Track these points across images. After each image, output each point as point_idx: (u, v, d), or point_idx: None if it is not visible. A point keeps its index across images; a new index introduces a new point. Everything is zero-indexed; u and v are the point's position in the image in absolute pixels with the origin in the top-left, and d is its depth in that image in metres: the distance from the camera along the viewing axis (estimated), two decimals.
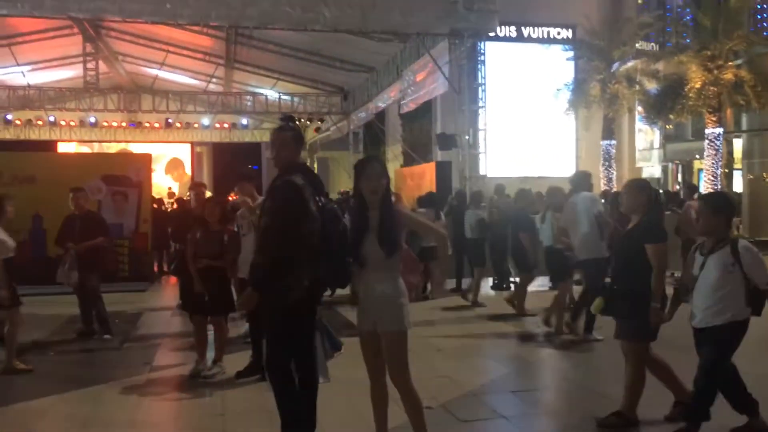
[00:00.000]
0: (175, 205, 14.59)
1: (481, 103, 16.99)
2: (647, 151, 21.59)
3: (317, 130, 25.00)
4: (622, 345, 4.43)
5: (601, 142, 19.27)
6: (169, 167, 26.38)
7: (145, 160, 12.89)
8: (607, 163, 19.22)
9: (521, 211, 8.70)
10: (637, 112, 19.92)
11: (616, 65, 18.33)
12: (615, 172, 19.27)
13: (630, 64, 18.40)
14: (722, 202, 4.20)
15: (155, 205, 13.95)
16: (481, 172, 15.96)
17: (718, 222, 4.08)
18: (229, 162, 25.58)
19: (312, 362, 3.75)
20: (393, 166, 22.78)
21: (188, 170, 26.01)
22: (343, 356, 3.99)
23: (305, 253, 3.63)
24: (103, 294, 7.55)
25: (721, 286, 3.96)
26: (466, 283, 10.85)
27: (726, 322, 3.96)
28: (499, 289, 10.68)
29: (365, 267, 3.56)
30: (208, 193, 12.20)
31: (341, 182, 24.64)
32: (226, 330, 6.16)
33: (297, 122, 22.32)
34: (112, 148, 24.70)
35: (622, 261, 4.48)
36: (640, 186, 4.57)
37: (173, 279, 10.43)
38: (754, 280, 3.96)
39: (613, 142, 19.45)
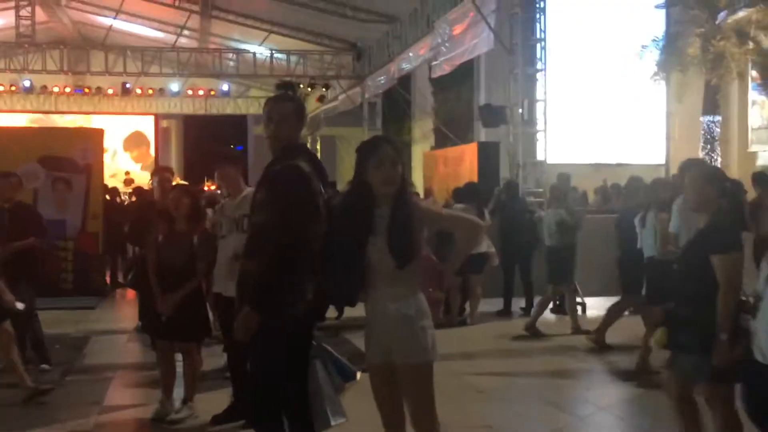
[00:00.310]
0: (133, 197, 14.75)
1: (539, 66, 16.88)
2: (764, 130, 21.39)
3: (321, 99, 25.04)
4: (701, 389, 4.42)
5: (701, 118, 19.13)
6: (129, 144, 26.69)
7: (95, 137, 13.07)
8: (708, 147, 19.08)
9: (628, 211, 8.43)
10: (750, 78, 19.76)
11: (722, 15, 18.19)
12: (720, 158, 19.14)
13: (741, 14, 18.25)
14: None
15: (108, 197, 14.12)
16: (539, 156, 15.89)
17: None
18: (204, 140, 25.78)
19: (308, 409, 3.78)
20: (421, 148, 22.82)
21: (152, 151, 26.30)
22: (354, 392, 4.02)
23: (309, 260, 3.68)
24: (39, 312, 7.65)
25: None
26: (515, 304, 10.88)
27: None
28: (562, 312, 10.71)
29: (372, 281, 3.59)
30: (177, 181, 12.27)
31: (351, 167, 24.71)
32: (200, 361, 6.24)
33: (297, 90, 22.53)
34: (53, 121, 25.02)
35: (683, 277, 4.46)
36: (708, 174, 4.56)
37: (131, 293, 10.57)
38: None
39: (718, 118, 19.30)
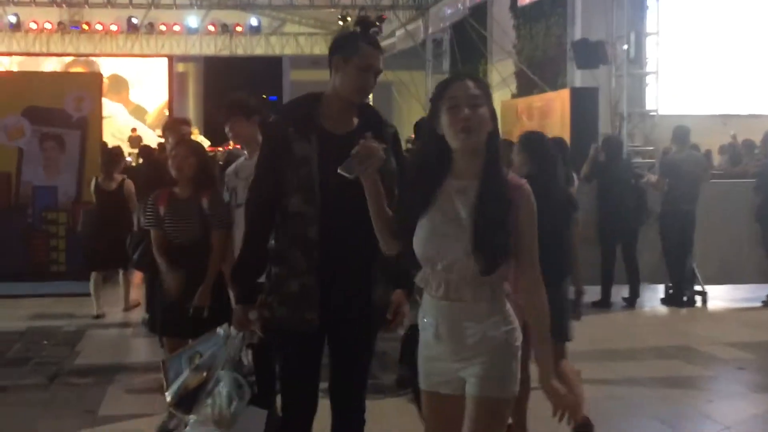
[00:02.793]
0: (140, 159, 14.85)
1: None
2: None
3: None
4: None
5: None
6: (107, 89, 26.87)
7: (93, 83, 13.14)
8: None
9: None
10: None
11: None
12: None
13: None
14: None
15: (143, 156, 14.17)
16: (649, 105, 15.62)
17: None
18: (229, 88, 25.71)
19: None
20: (499, 96, 22.52)
21: (144, 97, 26.38)
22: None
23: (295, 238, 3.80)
24: (24, 299, 7.75)
25: None
26: (616, 293, 10.72)
27: None
28: (676, 304, 10.70)
29: (436, 286, 3.36)
30: (198, 137, 12.26)
31: (412, 120, 24.62)
32: None
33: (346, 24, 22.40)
34: (43, 64, 25.33)
35: None
36: None
37: (139, 275, 10.62)
38: None
39: None
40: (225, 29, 26.39)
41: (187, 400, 4.04)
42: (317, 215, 3.79)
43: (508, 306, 3.37)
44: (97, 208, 10.40)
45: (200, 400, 4.00)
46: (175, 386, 4.09)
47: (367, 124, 3.70)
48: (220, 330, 4.11)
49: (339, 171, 3.25)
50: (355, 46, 3.82)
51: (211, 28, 26.33)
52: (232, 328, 4.03)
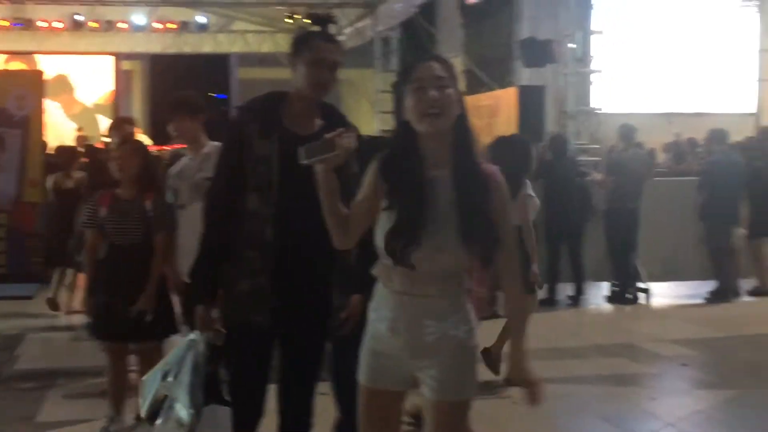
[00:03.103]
0: (84, 159, 14.66)
1: None
2: None
3: None
4: None
5: None
6: (51, 90, 26.57)
7: (34, 81, 12.95)
8: None
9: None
10: None
11: None
12: None
13: None
14: None
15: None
16: (594, 104, 15.75)
17: None
18: (176, 87, 25.53)
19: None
20: None
21: (89, 96, 26.17)
22: None
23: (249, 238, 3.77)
24: None
25: None
26: (561, 291, 10.77)
27: None
28: (621, 302, 10.81)
29: (393, 277, 3.26)
30: (142, 137, 12.21)
31: (361, 119, 24.60)
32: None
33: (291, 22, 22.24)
34: None
35: None
36: None
37: (81, 279, 10.50)
38: None
39: None
40: (172, 27, 26.19)
41: (156, 412, 4.04)
42: (274, 215, 3.75)
43: (469, 304, 3.29)
44: (56, 207, 10.36)
45: (164, 409, 4.01)
46: (148, 401, 4.08)
47: (330, 125, 3.61)
48: (190, 335, 4.07)
49: (299, 152, 3.11)
50: (306, 42, 3.81)
51: (158, 25, 26.12)
52: (195, 332, 4.01)
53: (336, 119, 3.86)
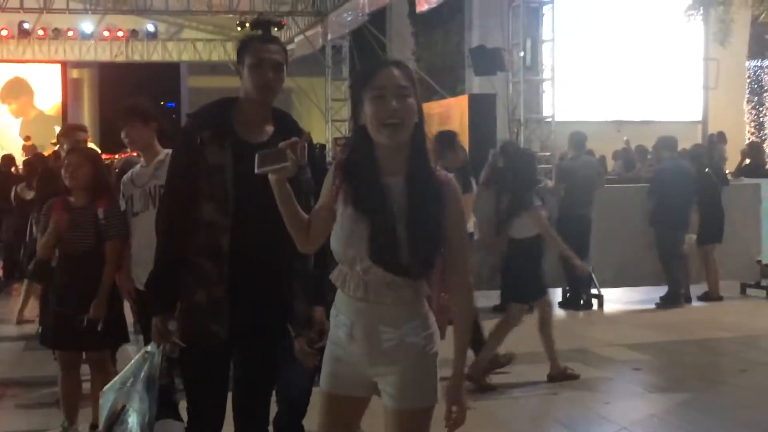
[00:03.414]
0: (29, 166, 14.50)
1: None
2: None
3: None
4: None
5: (747, 63, 19.16)
6: (6, 93, 26.30)
7: None
8: (756, 98, 19.14)
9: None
10: None
11: None
12: None
13: None
14: None
15: (0, 166, 13.88)
16: (545, 111, 15.83)
17: None
18: (125, 95, 25.32)
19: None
20: None
21: (45, 102, 25.89)
22: None
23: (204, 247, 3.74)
24: None
25: None
26: None
27: None
28: (573, 307, 10.94)
29: (350, 283, 3.24)
30: (91, 145, 12.22)
31: (313, 127, 24.58)
32: (114, 374, 6.08)
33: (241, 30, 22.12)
34: None
35: None
36: None
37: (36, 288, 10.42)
38: None
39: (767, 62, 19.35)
40: (120, 35, 26.02)
41: (112, 424, 3.99)
42: (229, 225, 3.71)
43: (427, 309, 3.26)
44: (16, 217, 10.32)
45: (120, 422, 3.97)
46: (106, 414, 4.04)
47: (283, 132, 3.59)
48: (147, 347, 4.01)
49: (256, 158, 3.08)
50: (247, 47, 3.80)
51: (106, 33, 25.97)
52: (151, 344, 3.94)
53: (288, 126, 3.83)
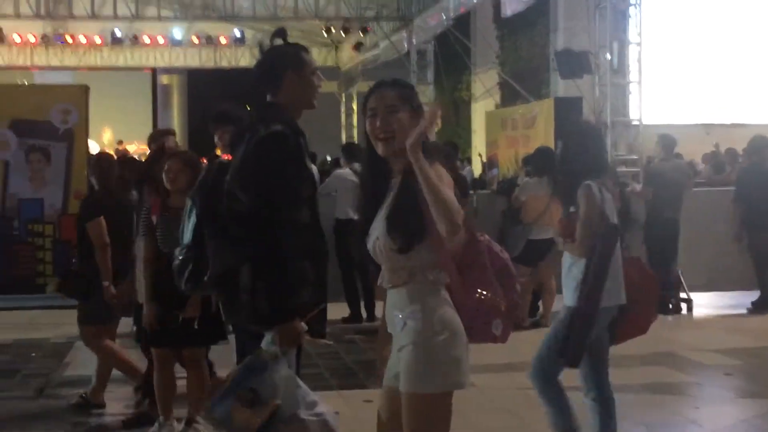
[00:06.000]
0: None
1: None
2: None
3: (357, 47, 25.01)
4: None
5: None
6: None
7: (79, 96, 13.10)
8: None
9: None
10: None
11: None
12: None
13: None
14: None
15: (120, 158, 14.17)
16: (632, 115, 15.67)
17: None
18: (214, 100, 25.71)
19: None
20: (483, 106, 22.70)
21: (135, 107, 26.27)
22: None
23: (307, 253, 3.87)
24: (12, 312, 7.73)
25: None
26: None
27: None
28: (662, 312, 10.62)
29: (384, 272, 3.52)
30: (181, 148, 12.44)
31: None
32: (206, 373, 6.22)
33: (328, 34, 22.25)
34: (27, 76, 25.22)
35: None
36: None
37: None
38: None
39: None
40: (209, 41, 26.35)
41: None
42: (320, 227, 3.96)
43: (437, 299, 3.38)
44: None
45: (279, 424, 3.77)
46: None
47: None
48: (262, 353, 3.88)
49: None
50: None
51: (195, 40, 26.27)
52: (272, 348, 3.85)
53: None
